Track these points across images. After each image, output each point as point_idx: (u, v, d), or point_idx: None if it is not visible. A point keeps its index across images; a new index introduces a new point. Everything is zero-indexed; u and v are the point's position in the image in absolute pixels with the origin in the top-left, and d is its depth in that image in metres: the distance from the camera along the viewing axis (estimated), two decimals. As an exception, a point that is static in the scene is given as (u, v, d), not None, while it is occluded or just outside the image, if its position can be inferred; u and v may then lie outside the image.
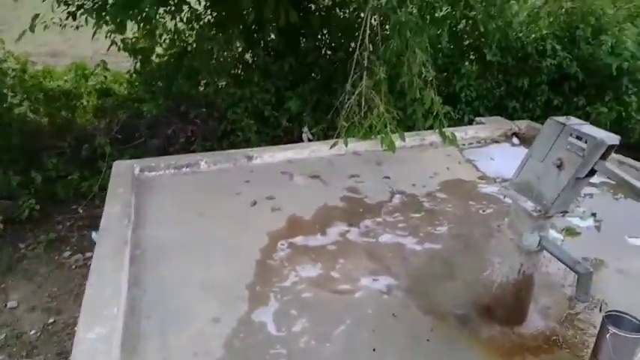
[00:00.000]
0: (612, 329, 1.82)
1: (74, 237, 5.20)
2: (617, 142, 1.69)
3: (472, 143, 4.34)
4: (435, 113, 4.11)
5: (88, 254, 4.78)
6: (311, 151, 3.92)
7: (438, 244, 2.78)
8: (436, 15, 6.41)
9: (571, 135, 1.76)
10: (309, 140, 5.13)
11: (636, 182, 1.66)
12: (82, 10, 4.90)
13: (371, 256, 2.64)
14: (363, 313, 2.20)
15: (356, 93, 4.11)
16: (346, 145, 3.91)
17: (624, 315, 1.91)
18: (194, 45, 6.22)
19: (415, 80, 4.09)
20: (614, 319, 1.88)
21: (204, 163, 3.56)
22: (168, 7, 5.57)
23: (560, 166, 1.77)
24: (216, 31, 6.02)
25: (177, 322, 2.10)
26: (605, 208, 3.18)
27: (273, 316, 2.15)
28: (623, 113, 6.41)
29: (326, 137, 4.88)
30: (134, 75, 6.57)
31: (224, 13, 6.05)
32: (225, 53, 6.17)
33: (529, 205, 1.88)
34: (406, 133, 4.11)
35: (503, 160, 3.93)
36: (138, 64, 6.39)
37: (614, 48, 6.19)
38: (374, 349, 1.99)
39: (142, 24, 4.79)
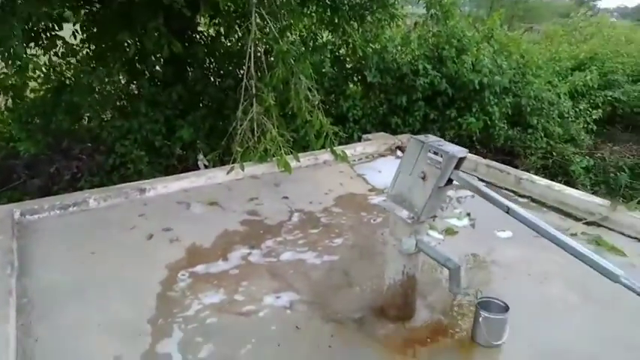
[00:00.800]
0: (483, 313, 2.10)
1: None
2: (466, 155, 2.00)
3: (361, 159, 4.65)
4: (325, 133, 4.34)
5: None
6: (207, 178, 3.92)
7: (336, 255, 2.95)
8: (317, 42, 6.79)
9: (429, 151, 2.04)
10: (205, 167, 5.10)
11: (482, 186, 1.97)
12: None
13: (273, 275, 2.72)
14: (267, 330, 2.28)
15: (247, 119, 4.20)
16: (242, 170, 3.97)
17: (493, 300, 2.21)
18: (72, 79, 5.95)
19: (303, 104, 4.30)
20: (485, 304, 2.17)
21: (93, 200, 3.42)
22: (40, 42, 5.27)
23: (424, 178, 2.04)
24: (96, 64, 5.82)
25: (75, 367, 2.02)
26: (477, 207, 3.57)
27: (178, 346, 2.15)
28: (489, 122, 7.27)
29: (222, 163, 4.89)
30: (5, 113, 6.09)
31: (103, 46, 5.86)
32: (108, 86, 5.96)
33: (404, 213, 2.11)
34: (300, 154, 4.29)
35: (389, 172, 4.17)
36: (9, 102, 5.93)
37: (474, 65, 7.02)
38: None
39: (9, 61, 4.46)
